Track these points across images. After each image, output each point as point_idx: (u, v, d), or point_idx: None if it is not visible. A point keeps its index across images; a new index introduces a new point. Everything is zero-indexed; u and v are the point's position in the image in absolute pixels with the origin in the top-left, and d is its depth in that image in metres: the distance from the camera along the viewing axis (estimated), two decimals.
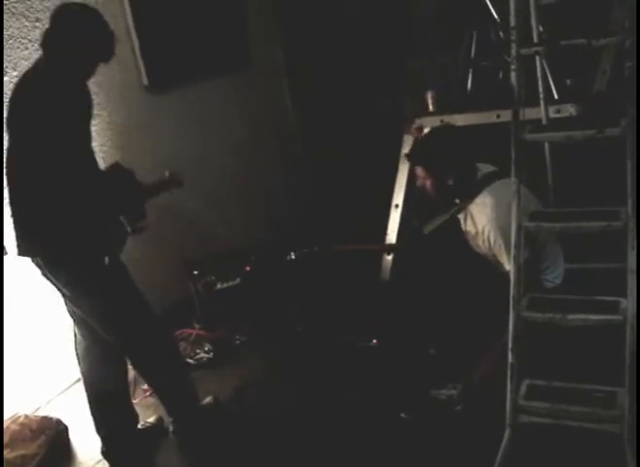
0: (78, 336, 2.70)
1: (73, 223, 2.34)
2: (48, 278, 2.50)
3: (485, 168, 2.80)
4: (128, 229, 2.46)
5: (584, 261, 2.81)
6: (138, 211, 2.52)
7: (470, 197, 2.73)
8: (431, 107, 3.60)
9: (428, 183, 2.75)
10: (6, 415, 2.85)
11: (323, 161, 4.93)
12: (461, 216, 2.82)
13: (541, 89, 2.88)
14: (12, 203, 2.45)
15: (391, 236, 3.79)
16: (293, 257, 3.63)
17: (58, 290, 2.55)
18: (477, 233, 2.72)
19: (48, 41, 2.38)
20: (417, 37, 4.26)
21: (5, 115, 2.42)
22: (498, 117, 3.34)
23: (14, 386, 3.04)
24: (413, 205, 3.49)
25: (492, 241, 2.67)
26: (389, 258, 3.84)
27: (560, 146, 2.90)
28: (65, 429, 2.88)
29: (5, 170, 2.43)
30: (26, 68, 3.07)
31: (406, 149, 3.65)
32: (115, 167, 2.58)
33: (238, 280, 3.60)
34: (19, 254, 2.47)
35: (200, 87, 4.24)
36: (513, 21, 2.15)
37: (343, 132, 4.78)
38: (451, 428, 2.49)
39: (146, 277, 3.60)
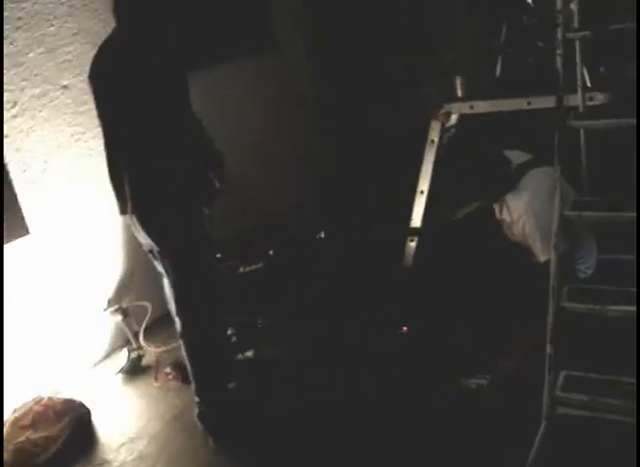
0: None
1: (171, 177, 2.44)
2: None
3: (519, 157, 2.76)
4: (216, 184, 2.58)
5: (615, 252, 2.77)
6: (222, 165, 2.63)
7: (505, 187, 2.69)
8: (459, 93, 3.53)
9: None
10: (27, 398, 2.85)
11: (343, 150, 4.88)
12: (496, 205, 2.78)
13: (579, 76, 2.82)
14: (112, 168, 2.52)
15: (416, 222, 3.73)
16: (322, 236, 3.57)
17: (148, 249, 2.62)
18: (512, 221, 2.68)
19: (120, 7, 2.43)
20: (447, 23, 4.18)
21: (93, 88, 2.48)
22: (529, 104, 3.28)
23: (32, 368, 3.03)
24: (442, 192, 3.42)
25: (527, 231, 2.63)
26: (412, 244, 3.80)
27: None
28: (88, 412, 2.87)
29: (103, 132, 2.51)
30: (53, 45, 3.10)
31: (432, 135, 3.58)
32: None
33: (261, 264, 3.56)
34: (121, 213, 2.57)
35: (221, 69, 4.18)
36: (559, 4, 2.09)
37: (366, 119, 4.72)
38: (482, 418, 2.45)
39: None
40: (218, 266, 3.41)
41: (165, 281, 2.74)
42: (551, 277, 2.08)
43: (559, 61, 2.08)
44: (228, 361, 2.93)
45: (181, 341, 2.74)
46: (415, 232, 3.74)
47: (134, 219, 2.54)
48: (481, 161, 2.76)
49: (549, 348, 2.07)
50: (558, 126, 2.06)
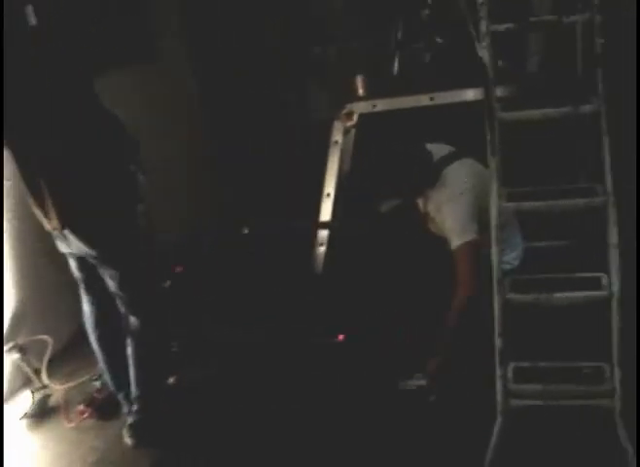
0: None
1: (96, 179, 2.31)
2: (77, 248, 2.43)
3: (441, 150, 2.76)
4: (140, 176, 2.45)
5: (540, 239, 2.82)
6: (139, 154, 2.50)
7: (428, 181, 2.67)
8: (361, 92, 3.50)
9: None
10: None
11: (233, 160, 4.74)
12: (420, 199, 2.77)
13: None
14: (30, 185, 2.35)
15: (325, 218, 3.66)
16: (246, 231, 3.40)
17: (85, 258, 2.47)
18: (435, 214, 2.68)
19: None
20: (336, 20, 4.15)
21: None
22: (432, 99, 3.31)
23: None
24: (359, 191, 3.37)
25: (448, 221, 2.63)
26: (322, 249, 3.71)
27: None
28: None
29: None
30: None
31: (336, 136, 3.53)
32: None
33: (168, 283, 3.35)
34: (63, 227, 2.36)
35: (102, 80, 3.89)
36: None
37: (255, 126, 4.61)
38: (430, 419, 2.41)
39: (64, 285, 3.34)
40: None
41: (86, 300, 2.66)
42: (493, 270, 2.07)
43: (485, 54, 2.06)
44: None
45: (133, 344, 2.59)
46: (325, 225, 3.66)
47: (67, 232, 2.36)
48: (402, 156, 2.72)
49: (498, 342, 2.06)
50: (488, 119, 2.05)
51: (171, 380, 2.94)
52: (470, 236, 2.55)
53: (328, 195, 3.67)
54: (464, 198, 2.58)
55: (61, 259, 2.62)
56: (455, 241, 2.59)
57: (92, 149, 2.28)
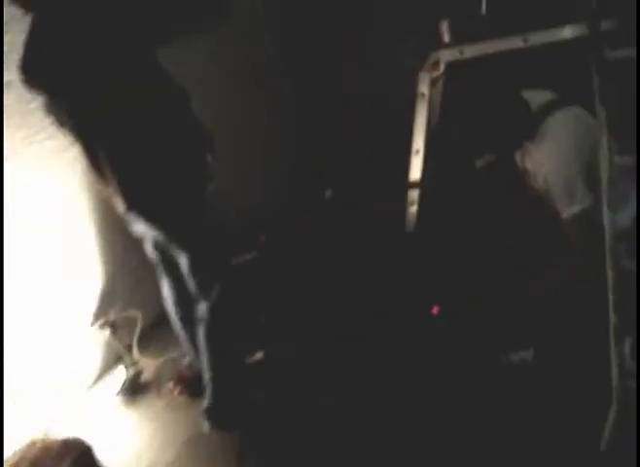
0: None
1: (168, 162, 2.17)
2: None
3: (539, 97, 2.46)
4: (210, 155, 2.34)
5: None
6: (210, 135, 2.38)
7: (526, 133, 2.39)
8: (446, 38, 3.20)
9: None
10: (18, 441, 2.51)
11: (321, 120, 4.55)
12: (518, 154, 2.49)
13: None
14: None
15: (415, 177, 3.42)
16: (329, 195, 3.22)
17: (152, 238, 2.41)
18: (535, 171, 2.40)
19: None
20: None
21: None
22: (525, 41, 2.96)
23: (19, 404, 2.70)
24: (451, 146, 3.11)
25: (551, 181, 2.35)
26: (414, 208, 3.49)
27: None
28: (89, 449, 2.54)
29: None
30: None
31: (422, 88, 3.26)
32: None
33: (254, 253, 3.24)
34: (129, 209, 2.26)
35: (176, 48, 3.78)
36: None
37: (339, 80, 4.38)
38: (535, 398, 2.19)
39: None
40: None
41: (165, 282, 2.59)
42: (606, 235, 1.80)
43: None
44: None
45: (202, 330, 2.48)
46: (416, 185, 3.44)
47: (135, 214, 2.28)
48: (495, 107, 2.45)
49: (613, 318, 1.81)
50: (595, 60, 1.75)
51: (259, 356, 2.86)
52: (581, 205, 2.28)
53: (417, 151, 3.42)
54: (570, 156, 2.29)
55: None
56: (565, 211, 2.33)
57: (159, 129, 2.13)
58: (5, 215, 2.68)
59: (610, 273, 1.79)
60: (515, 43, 3.01)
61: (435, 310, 2.59)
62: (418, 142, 3.38)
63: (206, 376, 2.52)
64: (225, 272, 2.44)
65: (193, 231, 2.32)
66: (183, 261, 2.38)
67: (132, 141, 2.11)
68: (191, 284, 2.44)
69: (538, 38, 2.96)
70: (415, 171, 3.42)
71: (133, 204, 2.23)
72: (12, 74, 2.78)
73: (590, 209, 2.30)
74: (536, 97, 2.47)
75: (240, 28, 4.23)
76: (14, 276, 2.74)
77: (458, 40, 3.19)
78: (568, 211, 2.34)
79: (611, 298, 1.80)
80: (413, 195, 3.44)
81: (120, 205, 2.26)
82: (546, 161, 2.35)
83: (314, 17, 4.36)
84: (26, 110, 2.85)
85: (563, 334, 2.32)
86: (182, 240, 2.34)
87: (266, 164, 4.25)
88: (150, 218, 2.27)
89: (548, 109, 2.40)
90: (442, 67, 3.23)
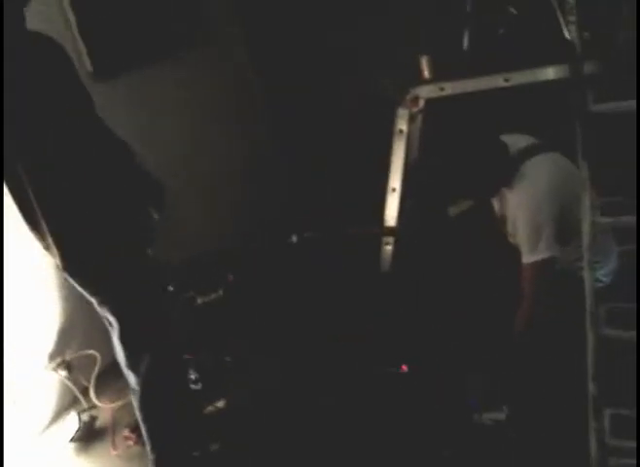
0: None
1: (103, 217, 1.99)
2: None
3: (519, 141, 2.36)
4: (154, 215, 2.14)
5: None
6: (159, 188, 2.17)
7: (504, 178, 2.29)
8: (427, 74, 3.10)
9: None
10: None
11: (294, 142, 4.45)
12: (495, 200, 2.39)
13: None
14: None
15: (390, 222, 3.31)
16: (294, 240, 3.11)
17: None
18: (508, 216, 2.31)
19: None
20: None
21: None
22: (507, 80, 2.88)
23: None
24: (427, 188, 3.01)
25: (518, 226, 2.27)
26: (389, 248, 3.38)
27: None
28: None
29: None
30: None
31: (401, 124, 3.16)
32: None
33: (221, 291, 3.10)
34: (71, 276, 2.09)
35: (152, 69, 3.68)
36: None
37: (318, 108, 4.28)
38: (506, 463, 2.06)
39: None
40: (171, 301, 2.97)
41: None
42: (586, 298, 1.68)
43: (574, 29, 1.65)
44: (192, 416, 2.48)
45: (133, 398, 2.32)
46: (391, 232, 3.33)
47: (68, 275, 2.11)
48: (472, 150, 2.35)
49: (592, 387, 1.68)
50: (578, 111, 1.64)
51: (220, 405, 2.70)
52: (543, 254, 2.20)
53: (393, 189, 3.32)
54: (541, 202, 2.19)
55: None
56: (526, 256, 2.25)
57: (96, 184, 1.96)
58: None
59: (589, 338, 1.67)
60: (496, 81, 2.93)
61: (404, 367, 2.45)
62: (395, 180, 3.28)
63: (147, 442, 2.35)
64: (156, 345, 2.22)
65: (126, 298, 2.14)
66: (114, 326, 2.19)
67: (68, 197, 1.95)
68: (119, 353, 2.25)
69: (520, 78, 2.88)
70: (391, 210, 3.31)
71: (68, 264, 2.06)
72: None
73: (552, 260, 2.22)
74: (516, 141, 2.37)
75: (219, 51, 4.17)
76: None
77: (439, 76, 3.11)
78: (527, 258, 2.26)
79: (590, 365, 1.68)
80: (391, 231, 3.34)
81: (55, 260, 2.08)
82: (516, 204, 2.26)
83: (294, 46, 4.28)
84: None
85: (539, 394, 2.20)
86: (114, 307, 2.15)
87: (236, 202, 4.13)
88: (83, 282, 2.11)
89: (526, 153, 2.30)
90: (421, 103, 3.14)
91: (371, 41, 3.93)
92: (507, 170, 2.30)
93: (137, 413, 2.34)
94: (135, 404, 2.32)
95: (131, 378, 2.27)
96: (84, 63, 3.22)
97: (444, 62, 3.07)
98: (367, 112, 3.92)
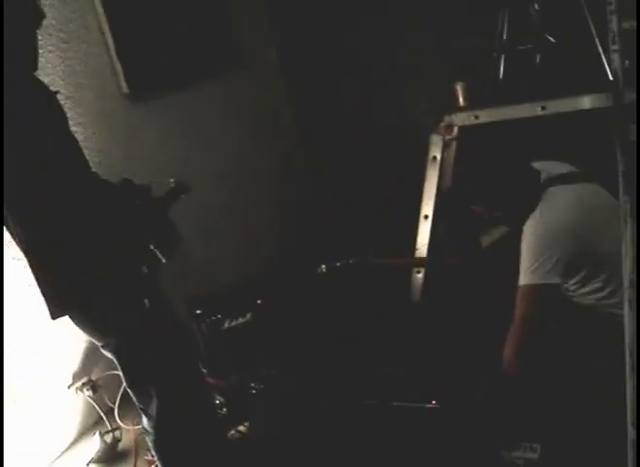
0: None
1: (96, 261, 1.89)
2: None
3: (554, 169, 2.32)
4: (162, 258, 2.00)
5: None
6: (170, 233, 2.06)
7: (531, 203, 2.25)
8: (461, 101, 3.08)
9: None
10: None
11: (326, 169, 4.45)
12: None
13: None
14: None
15: (422, 251, 3.27)
16: (324, 269, 3.07)
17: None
18: None
19: None
20: (433, 19, 3.71)
21: None
22: (543, 109, 2.84)
23: None
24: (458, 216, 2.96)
25: (522, 247, 2.23)
26: (419, 276, 3.33)
27: None
28: None
29: None
30: None
31: (434, 151, 3.14)
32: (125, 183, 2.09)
33: (249, 316, 3.07)
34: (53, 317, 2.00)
35: (188, 92, 3.72)
36: None
37: (349, 135, 4.29)
38: None
39: None
40: (197, 323, 2.95)
41: None
42: (626, 337, 1.61)
43: (615, 58, 1.60)
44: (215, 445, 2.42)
45: (148, 439, 2.24)
46: (421, 263, 3.28)
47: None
48: (503, 176, 2.31)
49: (631, 432, 1.61)
50: (620, 141, 1.59)
51: (241, 428, 2.66)
52: (536, 279, 2.15)
53: (426, 217, 3.29)
54: (553, 234, 2.15)
55: None
56: (520, 278, 2.20)
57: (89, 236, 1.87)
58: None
59: (628, 383, 1.60)
60: (532, 110, 2.90)
61: (433, 402, 2.38)
62: (428, 207, 3.25)
63: None
64: (165, 390, 2.12)
65: (130, 343, 2.07)
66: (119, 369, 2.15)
67: (63, 247, 1.88)
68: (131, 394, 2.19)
69: (556, 106, 2.84)
70: (423, 237, 3.27)
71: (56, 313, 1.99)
72: None
73: (540, 288, 2.16)
74: (552, 168, 2.33)
75: (254, 75, 4.21)
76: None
77: (473, 104, 3.08)
78: (520, 280, 2.21)
79: (629, 410, 1.60)
80: (421, 262, 3.30)
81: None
82: (525, 228, 2.22)
83: (328, 71, 4.29)
84: None
85: (575, 433, 2.12)
86: (117, 353, 2.09)
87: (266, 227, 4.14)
88: (85, 328, 2.10)
89: (554, 181, 2.26)
90: (455, 131, 3.11)
91: (405, 68, 3.92)
92: (534, 197, 2.26)
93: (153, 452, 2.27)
94: (150, 444, 2.25)
95: (144, 420, 2.21)
96: (120, 84, 3.27)
97: (479, 89, 3.04)
98: (400, 139, 3.90)
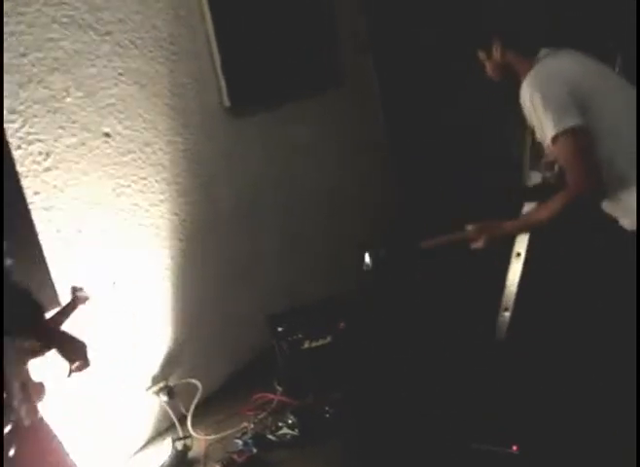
0: None
1: None
2: None
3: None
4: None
5: None
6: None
7: None
8: None
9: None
10: None
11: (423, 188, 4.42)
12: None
13: None
14: None
15: (511, 290, 3.15)
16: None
17: None
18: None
19: None
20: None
21: None
22: None
23: None
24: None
25: (539, 114, 2.11)
26: (507, 314, 3.21)
27: None
28: None
29: None
30: (93, 87, 2.71)
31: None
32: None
33: (329, 339, 3.05)
34: None
35: (288, 108, 3.78)
36: None
37: (444, 155, 4.25)
38: None
39: (221, 328, 3.18)
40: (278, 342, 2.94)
41: None
42: None
43: None
44: None
45: None
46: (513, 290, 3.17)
47: None
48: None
49: None
50: None
51: None
52: (571, 122, 2.03)
53: (518, 254, 3.17)
54: (553, 77, 2.11)
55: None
56: (549, 132, 2.08)
57: None
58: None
59: None
60: None
61: (515, 448, 2.26)
62: (521, 244, 3.13)
63: None
64: None
65: None
66: None
67: None
68: None
69: None
70: (514, 274, 3.16)
71: None
72: (113, 125, 2.80)
73: (578, 130, 2.05)
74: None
75: (349, 94, 4.25)
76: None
77: None
78: (550, 133, 2.09)
79: None
80: (508, 300, 3.18)
81: None
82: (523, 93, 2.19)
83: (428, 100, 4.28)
84: (121, 162, 2.83)
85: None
86: None
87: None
88: None
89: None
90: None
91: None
92: None
93: None
94: None
95: None
96: (222, 99, 3.34)
97: None
98: (494, 172, 3.82)
